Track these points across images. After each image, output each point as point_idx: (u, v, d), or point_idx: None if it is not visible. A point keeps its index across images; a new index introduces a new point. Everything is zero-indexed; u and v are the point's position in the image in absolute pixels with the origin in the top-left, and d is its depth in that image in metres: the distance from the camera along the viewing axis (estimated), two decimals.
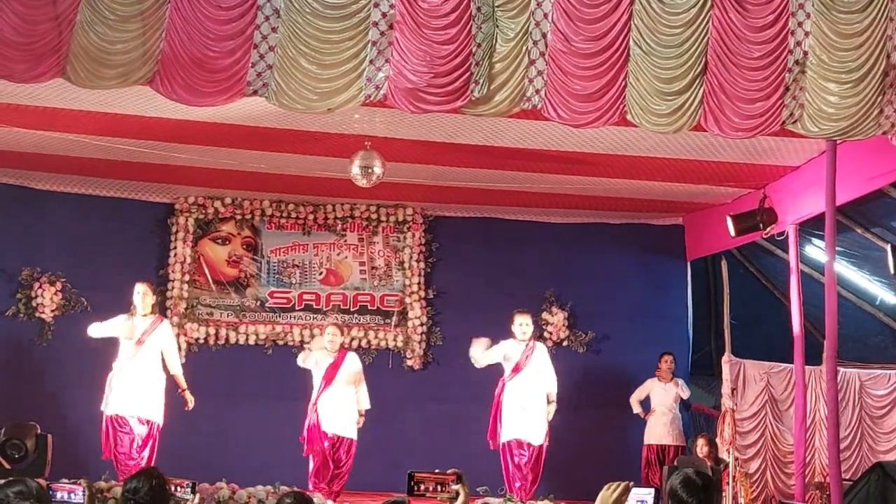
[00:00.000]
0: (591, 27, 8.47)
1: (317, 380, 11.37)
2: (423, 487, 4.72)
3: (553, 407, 11.46)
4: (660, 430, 13.04)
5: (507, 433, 11.27)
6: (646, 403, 13.28)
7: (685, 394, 13.21)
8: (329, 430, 11.16)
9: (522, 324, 11.54)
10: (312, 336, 12.94)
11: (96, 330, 10.97)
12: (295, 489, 7.89)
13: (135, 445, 10.60)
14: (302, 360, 11.52)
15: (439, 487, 4.67)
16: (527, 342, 11.54)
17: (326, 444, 11.10)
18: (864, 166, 9.82)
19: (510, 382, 11.39)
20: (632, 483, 4.48)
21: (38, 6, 7.86)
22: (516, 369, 11.39)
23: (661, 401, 13.13)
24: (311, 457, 11.16)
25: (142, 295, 11.00)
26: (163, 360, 11.03)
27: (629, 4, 8.45)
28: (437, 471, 4.73)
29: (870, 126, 8.55)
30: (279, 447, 12.63)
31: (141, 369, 10.77)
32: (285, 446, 12.69)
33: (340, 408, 11.26)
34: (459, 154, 11.24)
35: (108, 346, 11.22)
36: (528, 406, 11.30)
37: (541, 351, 11.70)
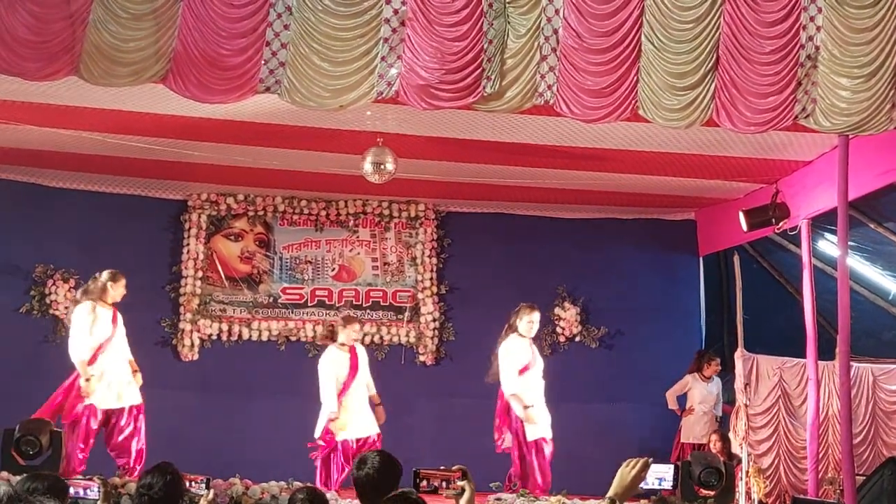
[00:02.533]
0: (602, 23, 8.50)
1: (333, 382, 11.12)
2: (428, 484, 4.74)
3: None
4: (700, 429, 12.98)
5: (532, 432, 10.85)
6: (681, 400, 13.25)
7: (720, 396, 13.20)
8: (355, 435, 11.09)
9: (533, 321, 11.06)
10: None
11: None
12: (308, 485, 7.93)
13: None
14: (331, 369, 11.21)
15: (445, 484, 4.69)
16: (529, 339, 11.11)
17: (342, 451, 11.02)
18: (877, 161, 9.80)
19: (521, 380, 10.93)
20: (651, 459, 4.49)
21: (52, 5, 7.93)
22: (527, 367, 10.98)
23: (703, 400, 13.07)
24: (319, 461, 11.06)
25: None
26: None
27: (640, 0, 8.48)
28: (442, 467, 4.75)
29: (882, 121, 8.58)
30: (292, 443, 12.65)
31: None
32: (298, 442, 12.72)
33: (364, 406, 11.22)
34: (471, 150, 11.24)
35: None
36: (541, 403, 11.01)
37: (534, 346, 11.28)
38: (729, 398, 13.28)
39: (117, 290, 10.72)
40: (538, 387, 11.06)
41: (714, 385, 13.17)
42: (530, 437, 10.83)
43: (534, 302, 11.78)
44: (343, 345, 11.26)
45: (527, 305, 11.16)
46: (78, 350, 10.52)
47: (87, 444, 10.45)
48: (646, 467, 4.36)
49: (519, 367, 10.89)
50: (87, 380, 10.40)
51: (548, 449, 10.92)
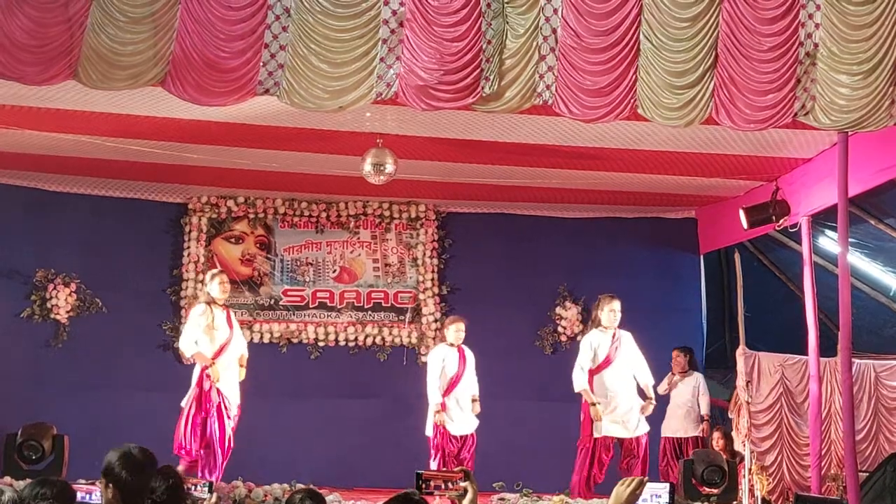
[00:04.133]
0: (600, 22, 8.51)
1: (438, 376, 11.15)
2: (431, 485, 4.74)
3: (652, 405, 10.95)
4: (675, 424, 13.00)
5: (597, 429, 10.62)
6: (666, 396, 13.26)
7: (703, 391, 13.16)
8: (458, 432, 11.13)
9: (614, 310, 10.91)
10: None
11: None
12: (311, 486, 7.92)
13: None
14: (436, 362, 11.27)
15: (447, 485, 4.69)
16: (613, 331, 10.97)
17: (452, 446, 11.02)
18: (877, 157, 9.80)
19: (597, 377, 10.80)
20: (646, 478, 4.49)
21: (50, 9, 7.93)
22: (606, 362, 10.84)
23: (677, 393, 13.11)
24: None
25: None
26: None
27: None
28: (444, 469, 4.77)
29: (881, 117, 8.57)
30: (295, 445, 12.67)
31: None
32: (301, 444, 12.75)
33: (467, 406, 11.24)
34: (471, 150, 11.25)
35: (122, 347, 11.29)
36: (620, 401, 10.76)
37: (628, 340, 11.05)
38: (731, 396, 13.27)
39: (214, 289, 10.68)
40: (617, 382, 10.83)
41: (691, 379, 13.13)
42: (596, 433, 10.62)
43: (536, 301, 11.78)
44: (452, 344, 11.33)
45: (606, 295, 11.10)
46: (186, 345, 10.60)
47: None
48: (641, 486, 4.36)
49: (590, 362, 10.81)
50: (212, 365, 10.44)
51: (616, 448, 10.66)
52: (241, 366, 10.83)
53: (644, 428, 10.89)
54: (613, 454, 10.76)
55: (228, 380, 10.62)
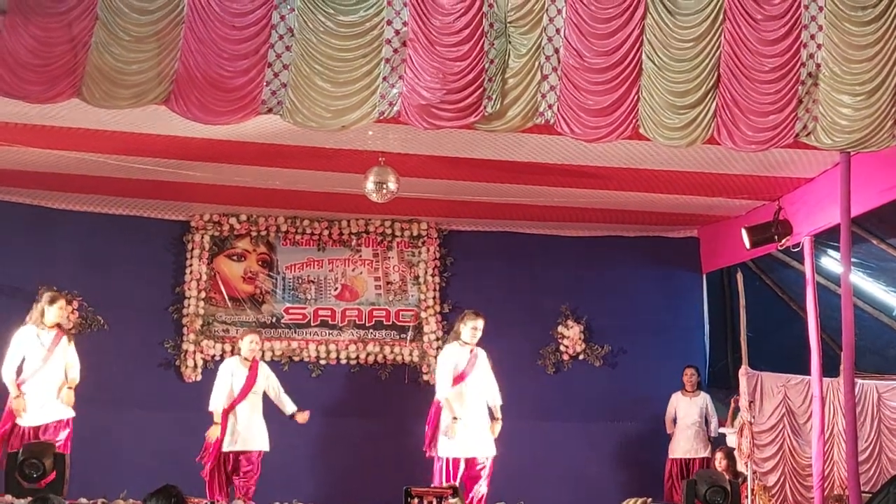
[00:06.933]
0: (603, 42, 8.52)
1: (225, 390, 11.36)
2: (420, 502, 4.76)
3: (499, 425, 10.81)
4: (684, 444, 12.96)
5: (445, 448, 10.32)
6: (673, 416, 13.25)
7: (711, 412, 13.13)
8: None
9: (477, 328, 10.92)
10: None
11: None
12: None
13: None
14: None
15: (436, 501, 4.70)
16: (471, 348, 10.97)
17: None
18: (879, 177, 9.80)
19: (454, 389, 10.75)
20: (650, 500, 4.49)
21: (54, 28, 7.96)
22: (461, 378, 10.80)
23: (685, 414, 13.08)
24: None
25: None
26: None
27: (641, 19, 8.52)
28: (433, 485, 4.77)
29: (884, 137, 8.59)
30: (296, 463, 12.64)
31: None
32: (302, 462, 12.72)
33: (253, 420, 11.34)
34: (473, 169, 11.26)
35: (123, 365, 11.28)
36: (470, 419, 10.63)
37: (483, 358, 11.02)
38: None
39: (53, 313, 10.86)
40: (473, 399, 10.80)
41: (699, 399, 13.12)
42: (441, 452, 10.31)
43: (538, 320, 11.71)
44: (245, 359, 11.54)
45: (472, 312, 11.14)
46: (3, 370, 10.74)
47: None
48: None
49: (454, 374, 10.80)
50: (17, 397, 10.60)
51: (464, 472, 10.06)
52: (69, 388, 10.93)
53: (491, 451, 10.61)
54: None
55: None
